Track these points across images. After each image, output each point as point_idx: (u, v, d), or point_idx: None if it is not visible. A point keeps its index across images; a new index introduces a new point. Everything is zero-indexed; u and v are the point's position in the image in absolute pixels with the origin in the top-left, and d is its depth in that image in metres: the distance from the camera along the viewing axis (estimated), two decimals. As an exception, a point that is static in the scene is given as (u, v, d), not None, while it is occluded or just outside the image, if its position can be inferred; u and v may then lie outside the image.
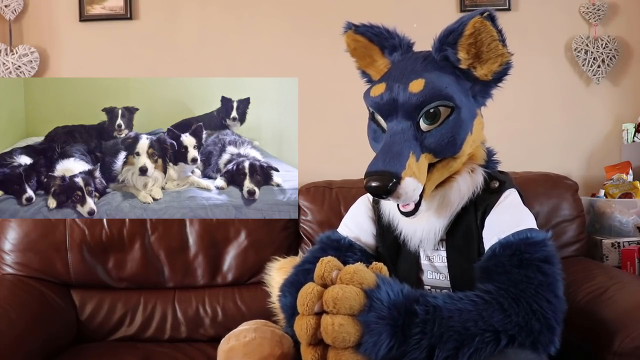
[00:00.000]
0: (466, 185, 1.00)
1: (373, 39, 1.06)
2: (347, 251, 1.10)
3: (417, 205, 0.95)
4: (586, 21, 2.06)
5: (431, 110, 0.94)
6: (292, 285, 1.02)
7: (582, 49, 2.03)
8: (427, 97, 0.93)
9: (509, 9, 2.05)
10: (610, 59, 2.02)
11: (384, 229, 1.09)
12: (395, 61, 1.04)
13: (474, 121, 0.99)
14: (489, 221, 1.00)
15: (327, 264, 0.88)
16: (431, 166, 0.96)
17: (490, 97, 1.04)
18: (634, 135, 1.98)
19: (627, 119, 2.04)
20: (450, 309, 0.84)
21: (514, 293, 0.86)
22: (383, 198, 0.91)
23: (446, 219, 1.00)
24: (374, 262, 0.96)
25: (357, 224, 1.15)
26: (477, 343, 0.81)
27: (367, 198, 1.19)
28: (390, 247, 1.09)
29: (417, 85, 0.94)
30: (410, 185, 0.89)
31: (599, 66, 2.02)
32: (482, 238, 1.00)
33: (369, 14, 2.09)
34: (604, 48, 2.02)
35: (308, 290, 0.85)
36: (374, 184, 0.88)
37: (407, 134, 0.94)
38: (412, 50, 1.06)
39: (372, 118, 1.03)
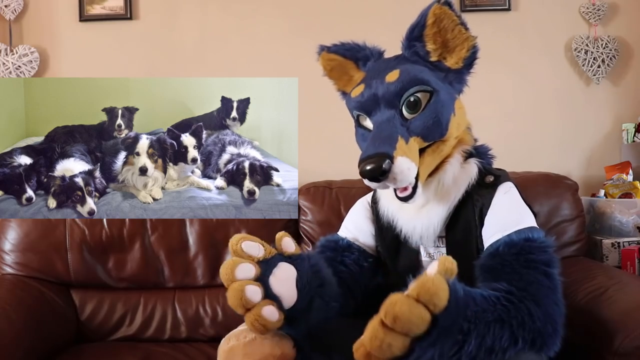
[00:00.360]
0: (460, 169, 1.01)
1: (346, 54, 1.10)
2: (344, 251, 1.11)
3: (414, 189, 0.96)
4: (586, 21, 2.06)
5: (411, 99, 0.96)
6: None
7: (582, 49, 2.03)
8: (404, 82, 0.96)
9: (509, 9, 2.05)
10: (610, 59, 2.03)
11: (383, 228, 1.10)
12: (368, 68, 1.08)
13: (454, 103, 1.01)
14: (489, 217, 1.00)
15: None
16: (422, 152, 0.97)
17: (466, 83, 1.06)
18: (634, 135, 1.98)
19: (627, 119, 2.04)
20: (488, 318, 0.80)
21: (533, 294, 0.85)
22: (380, 181, 0.91)
23: (444, 212, 1.00)
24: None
25: (355, 225, 1.16)
26: (497, 344, 0.79)
27: (365, 200, 1.20)
28: (390, 246, 1.09)
29: (393, 75, 0.98)
30: (404, 163, 0.91)
31: (599, 66, 2.02)
32: (480, 234, 1.01)
33: (369, 14, 2.10)
34: (604, 48, 2.02)
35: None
36: (368, 167, 0.89)
37: (392, 121, 0.96)
38: (383, 58, 1.10)
39: (358, 124, 1.06)
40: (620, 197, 1.80)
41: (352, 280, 1.08)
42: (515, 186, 1.07)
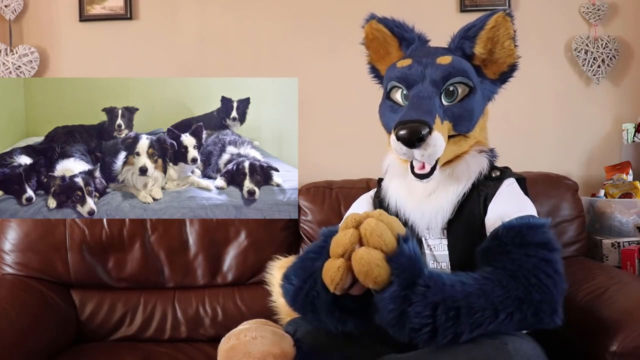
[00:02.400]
0: (473, 163, 1.03)
1: (394, 30, 1.10)
2: None
3: (432, 169, 0.97)
4: (586, 21, 2.07)
5: (451, 88, 0.99)
6: (301, 269, 1.02)
7: (582, 49, 2.03)
8: (454, 69, 0.99)
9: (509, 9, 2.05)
10: (610, 59, 2.03)
11: None
12: (413, 50, 1.09)
13: (485, 106, 1.06)
14: (492, 207, 1.02)
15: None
16: None
17: (495, 94, 1.10)
18: (634, 135, 1.98)
19: (627, 119, 2.04)
20: (452, 279, 0.85)
21: (512, 269, 0.87)
22: (413, 147, 0.92)
23: (453, 200, 1.02)
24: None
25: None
26: (478, 317, 0.82)
27: (368, 195, 1.20)
28: None
29: (445, 59, 1.00)
30: (439, 139, 0.93)
31: (599, 66, 2.02)
32: (484, 224, 1.02)
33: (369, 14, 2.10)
34: (604, 48, 2.02)
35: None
36: (407, 129, 0.90)
37: (433, 99, 0.98)
38: (428, 46, 1.11)
39: (387, 96, 1.06)
40: (620, 197, 1.80)
41: None
42: (523, 181, 1.10)
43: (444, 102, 0.99)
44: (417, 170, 0.98)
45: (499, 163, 1.12)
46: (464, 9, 2.03)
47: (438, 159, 0.97)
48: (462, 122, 1.00)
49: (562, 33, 2.07)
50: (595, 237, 1.72)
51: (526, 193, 1.10)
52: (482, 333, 0.83)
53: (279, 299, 1.39)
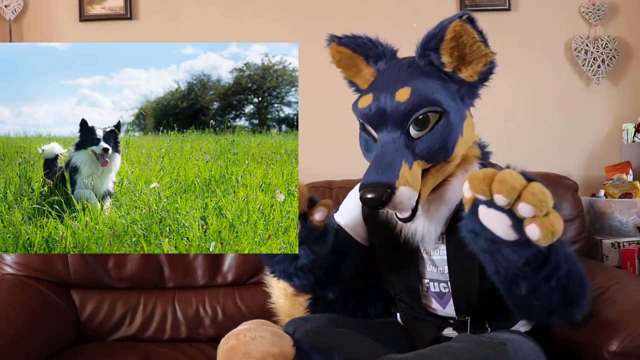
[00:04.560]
0: (461, 184, 1.00)
1: (357, 50, 1.06)
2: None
3: (414, 210, 0.96)
4: (586, 21, 2.07)
5: (420, 117, 0.95)
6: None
7: (582, 49, 2.03)
8: (414, 104, 0.94)
9: (509, 9, 2.05)
10: (610, 59, 2.03)
11: (380, 226, 1.09)
12: (380, 70, 1.05)
13: (463, 123, 1.00)
14: None
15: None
16: (425, 172, 0.97)
17: (478, 97, 1.05)
18: (634, 135, 1.98)
19: (627, 119, 2.04)
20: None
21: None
22: (379, 209, 0.94)
23: (446, 214, 1.01)
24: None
25: (350, 214, 1.16)
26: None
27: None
28: (389, 242, 1.09)
29: (403, 94, 0.95)
30: (405, 194, 0.90)
31: (599, 66, 2.02)
32: None
33: (369, 14, 2.11)
34: (604, 48, 2.02)
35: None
36: (369, 195, 0.89)
37: (397, 143, 0.95)
38: (396, 58, 1.07)
39: (362, 128, 1.04)
40: (620, 197, 1.80)
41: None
42: None
43: (414, 134, 0.95)
44: (399, 215, 0.98)
45: (494, 160, 1.12)
46: (464, 8, 2.03)
47: (418, 197, 0.95)
48: (436, 154, 0.96)
49: (562, 33, 2.07)
50: (595, 237, 1.72)
51: None
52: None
53: (278, 301, 1.39)
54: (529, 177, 0.78)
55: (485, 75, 1.00)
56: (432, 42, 0.97)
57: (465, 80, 0.99)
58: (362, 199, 0.90)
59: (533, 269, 0.84)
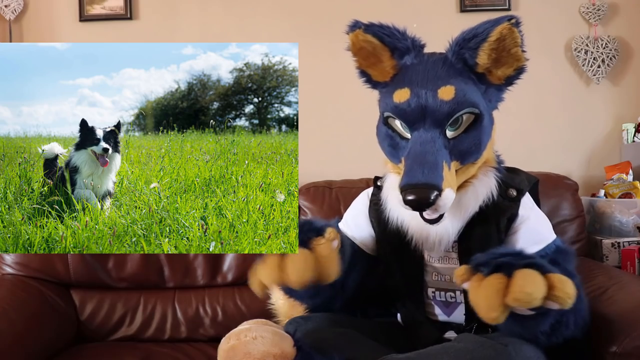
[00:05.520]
0: (481, 188, 1.00)
1: (385, 40, 0.99)
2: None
3: (441, 215, 0.95)
4: (586, 21, 2.07)
5: (455, 118, 0.93)
6: None
7: (582, 49, 2.03)
8: (458, 104, 0.92)
9: (508, 9, 2.05)
10: (610, 59, 2.03)
11: (387, 232, 1.07)
12: (408, 64, 1.00)
13: (493, 126, 1.01)
14: (521, 232, 1.02)
15: None
16: None
17: (503, 100, 1.05)
18: (634, 135, 1.98)
19: (627, 119, 2.04)
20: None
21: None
22: (422, 211, 0.91)
23: (460, 223, 0.99)
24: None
25: (356, 224, 1.14)
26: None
27: (365, 195, 1.17)
28: (395, 250, 1.08)
29: (447, 93, 0.93)
30: (450, 196, 0.90)
31: (599, 66, 2.02)
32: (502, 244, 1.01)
33: (369, 14, 2.10)
34: (604, 48, 2.02)
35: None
36: (416, 197, 0.87)
37: (437, 142, 0.92)
38: (424, 53, 1.02)
39: (385, 123, 1.00)
40: (620, 197, 1.80)
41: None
42: (536, 185, 1.12)
43: (449, 135, 0.94)
44: (425, 216, 0.95)
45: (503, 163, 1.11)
46: (464, 9, 2.03)
47: None
48: (470, 156, 0.95)
49: (562, 33, 2.07)
50: (595, 237, 1.72)
51: (537, 195, 1.11)
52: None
53: (277, 301, 1.39)
54: (544, 269, 0.80)
55: (512, 80, 1.00)
56: (472, 41, 0.94)
57: (492, 82, 0.99)
58: (407, 200, 0.88)
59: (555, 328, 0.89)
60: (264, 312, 1.40)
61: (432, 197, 0.86)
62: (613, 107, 2.08)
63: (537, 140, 2.07)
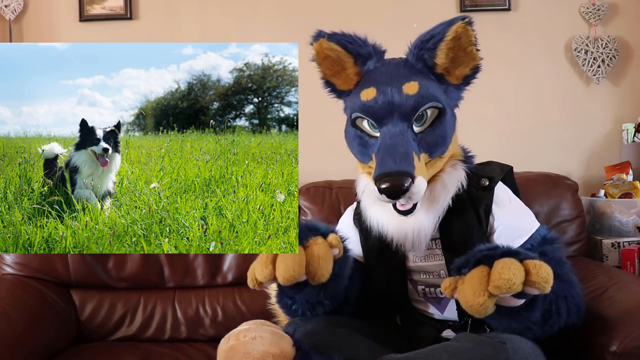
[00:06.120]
0: (450, 180, 1.03)
1: (348, 47, 1.03)
2: None
3: (415, 204, 0.98)
4: (586, 21, 2.07)
5: (420, 113, 0.97)
6: None
7: (582, 49, 2.03)
8: (423, 97, 0.97)
9: (509, 9, 2.05)
10: (610, 59, 2.03)
11: (372, 240, 1.09)
12: (371, 69, 1.04)
13: (455, 121, 1.04)
14: (499, 227, 1.04)
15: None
16: None
17: (461, 99, 1.07)
18: (634, 135, 1.98)
19: (627, 119, 2.04)
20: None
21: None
22: (397, 199, 0.93)
23: (434, 216, 1.01)
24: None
25: (350, 236, 1.11)
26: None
27: (351, 210, 1.21)
28: (379, 255, 1.09)
29: (412, 88, 0.97)
30: (422, 184, 0.93)
31: (599, 66, 2.02)
32: (486, 236, 1.03)
33: (369, 14, 2.11)
34: (604, 48, 2.02)
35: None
36: (390, 184, 0.90)
37: (406, 135, 0.96)
38: (385, 58, 1.06)
39: (352, 124, 1.04)
40: (620, 197, 1.80)
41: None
42: (511, 173, 1.12)
43: (416, 130, 0.98)
44: (399, 207, 0.99)
45: (475, 159, 1.12)
46: (464, 9, 2.03)
47: None
48: (437, 148, 0.99)
49: (562, 33, 2.07)
50: (595, 237, 1.72)
51: (514, 183, 1.13)
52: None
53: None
54: (520, 257, 0.83)
55: (469, 79, 1.04)
56: (430, 42, 0.98)
57: (451, 82, 1.02)
58: (382, 188, 0.91)
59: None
60: (264, 312, 1.39)
61: (406, 184, 0.90)
62: (613, 107, 2.08)
63: (537, 140, 2.07)
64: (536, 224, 1.06)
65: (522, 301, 0.85)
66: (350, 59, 1.05)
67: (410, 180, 0.90)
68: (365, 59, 1.04)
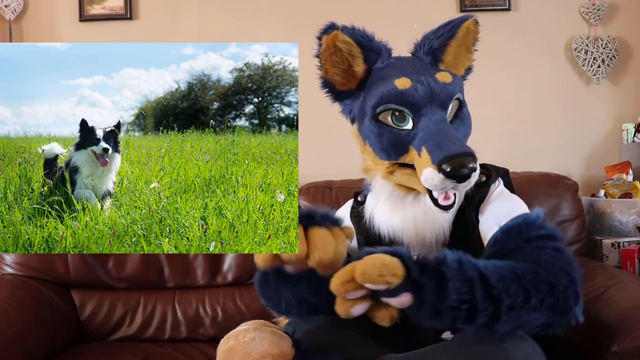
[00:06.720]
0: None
1: (361, 41, 0.99)
2: None
3: (455, 196, 0.94)
4: (586, 21, 2.07)
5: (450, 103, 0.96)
6: None
7: (582, 49, 2.03)
8: (459, 87, 0.96)
9: (509, 9, 2.05)
10: (610, 59, 2.03)
11: (370, 240, 1.06)
12: (380, 67, 1.00)
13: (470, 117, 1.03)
14: (485, 215, 1.00)
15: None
16: None
17: None
18: (634, 135, 1.98)
19: (627, 119, 2.04)
20: (484, 261, 0.85)
21: (533, 259, 0.86)
22: (462, 182, 0.86)
23: (450, 219, 1.00)
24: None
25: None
26: (512, 300, 0.81)
27: (347, 209, 1.19)
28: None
29: (446, 77, 0.95)
30: (478, 171, 0.89)
31: (599, 66, 2.02)
32: (477, 229, 1.01)
33: (369, 14, 2.10)
34: (604, 48, 2.02)
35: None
36: (457, 166, 0.84)
37: (447, 122, 0.94)
38: (392, 56, 1.03)
39: (375, 120, 0.98)
40: (620, 197, 1.80)
41: None
42: (507, 175, 1.09)
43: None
44: (442, 202, 0.92)
45: (499, 163, 1.11)
46: (464, 8, 2.03)
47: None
48: (466, 140, 0.98)
49: (562, 33, 2.07)
50: (595, 237, 1.72)
51: (511, 185, 1.10)
52: (515, 322, 0.82)
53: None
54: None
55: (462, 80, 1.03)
56: (441, 39, 0.98)
57: None
58: (448, 172, 0.84)
59: (472, 299, 0.80)
60: (264, 312, 1.39)
61: (474, 165, 0.85)
62: (613, 107, 2.08)
63: (537, 140, 2.07)
64: (524, 209, 1.00)
65: (399, 299, 0.81)
66: (360, 55, 0.99)
67: (475, 162, 0.85)
68: (376, 55, 1.00)
